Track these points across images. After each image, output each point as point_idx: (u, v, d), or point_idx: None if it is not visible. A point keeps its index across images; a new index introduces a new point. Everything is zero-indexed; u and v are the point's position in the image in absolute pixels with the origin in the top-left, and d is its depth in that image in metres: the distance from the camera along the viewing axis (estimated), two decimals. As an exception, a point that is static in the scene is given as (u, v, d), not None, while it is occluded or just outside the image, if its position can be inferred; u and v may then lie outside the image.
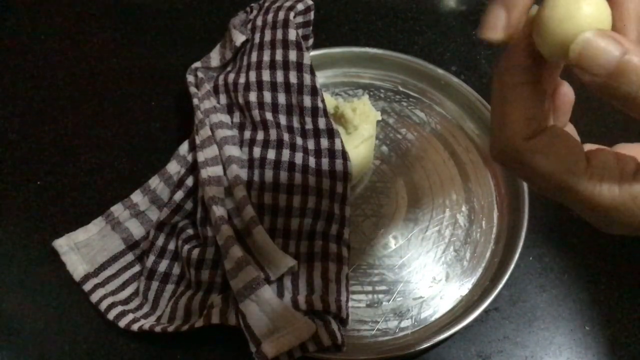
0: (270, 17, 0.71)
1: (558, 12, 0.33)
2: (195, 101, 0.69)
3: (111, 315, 0.61)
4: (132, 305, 0.63)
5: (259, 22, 0.72)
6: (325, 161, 0.67)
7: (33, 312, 0.63)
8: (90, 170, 0.72)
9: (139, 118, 0.77)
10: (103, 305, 0.62)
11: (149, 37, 0.84)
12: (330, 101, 0.71)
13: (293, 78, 0.68)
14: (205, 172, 0.63)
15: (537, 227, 0.68)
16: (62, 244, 0.65)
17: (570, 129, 0.43)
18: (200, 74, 0.72)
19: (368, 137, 0.69)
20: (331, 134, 0.67)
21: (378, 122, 0.71)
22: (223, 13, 0.81)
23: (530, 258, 0.67)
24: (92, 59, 0.82)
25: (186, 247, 0.61)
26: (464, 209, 0.69)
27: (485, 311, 0.61)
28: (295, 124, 0.69)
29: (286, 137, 0.67)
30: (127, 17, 0.86)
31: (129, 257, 0.65)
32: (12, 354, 0.61)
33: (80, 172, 0.72)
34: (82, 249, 0.65)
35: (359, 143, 0.69)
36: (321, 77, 0.75)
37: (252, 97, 0.69)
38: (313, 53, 0.75)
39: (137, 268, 0.65)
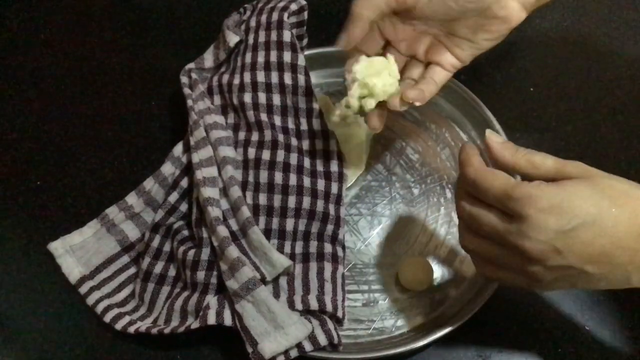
0: (264, 18, 0.71)
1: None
2: (190, 102, 0.69)
3: (107, 318, 0.61)
4: (129, 307, 0.63)
5: (252, 23, 0.72)
6: (320, 162, 0.67)
7: (33, 313, 0.63)
8: (90, 171, 0.72)
9: (139, 118, 0.77)
10: (99, 308, 0.62)
11: (148, 37, 0.84)
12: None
13: (288, 79, 0.68)
14: (200, 173, 0.63)
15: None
16: (57, 246, 0.65)
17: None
18: (194, 75, 0.72)
19: (363, 140, 0.70)
20: (326, 135, 0.67)
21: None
22: (223, 13, 0.80)
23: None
24: (92, 59, 0.82)
25: (181, 248, 0.62)
26: (459, 207, 0.69)
27: (485, 311, 0.61)
28: (290, 124, 0.69)
29: (281, 137, 0.67)
30: (127, 17, 0.86)
31: (125, 259, 0.65)
32: (12, 354, 0.61)
33: (80, 172, 0.72)
34: (77, 252, 0.65)
35: (354, 145, 0.69)
36: (316, 77, 0.76)
37: (247, 98, 0.69)
38: (308, 52, 0.75)
39: (132, 270, 0.65)
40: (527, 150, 0.52)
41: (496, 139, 0.53)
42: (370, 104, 0.60)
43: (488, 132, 0.54)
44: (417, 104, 0.59)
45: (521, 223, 0.47)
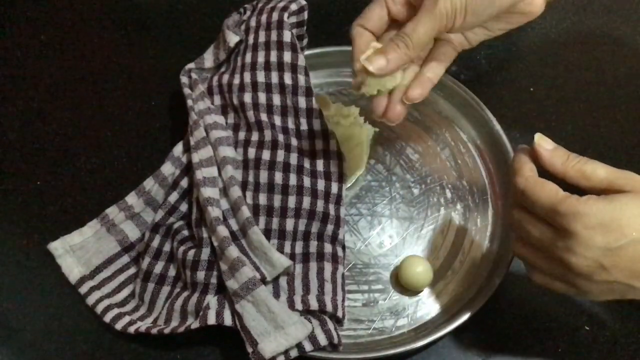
0: (264, 18, 0.71)
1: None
2: (190, 102, 0.69)
3: (107, 318, 0.61)
4: (129, 307, 0.63)
5: (252, 22, 0.72)
6: (320, 162, 0.67)
7: (33, 313, 0.63)
8: (91, 171, 0.72)
9: (139, 118, 0.77)
10: (99, 308, 0.62)
11: (149, 37, 0.84)
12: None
13: (288, 79, 0.68)
14: (200, 173, 0.63)
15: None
16: (57, 246, 0.65)
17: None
18: (194, 75, 0.72)
19: (363, 140, 0.70)
20: (326, 135, 0.67)
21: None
22: (223, 13, 0.81)
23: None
24: (92, 59, 0.82)
25: (181, 248, 0.61)
26: (458, 207, 0.69)
27: (484, 311, 0.61)
28: (290, 124, 0.69)
29: (281, 137, 0.67)
30: (127, 17, 0.86)
31: (125, 259, 0.65)
32: (12, 354, 0.61)
33: (80, 173, 0.72)
34: (77, 252, 0.65)
35: (354, 146, 0.69)
36: (316, 77, 0.76)
37: (247, 98, 0.69)
38: (308, 52, 0.75)
39: (132, 270, 0.65)
40: (578, 159, 0.50)
41: (546, 145, 0.51)
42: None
43: (537, 136, 0.52)
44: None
45: (568, 238, 0.47)
